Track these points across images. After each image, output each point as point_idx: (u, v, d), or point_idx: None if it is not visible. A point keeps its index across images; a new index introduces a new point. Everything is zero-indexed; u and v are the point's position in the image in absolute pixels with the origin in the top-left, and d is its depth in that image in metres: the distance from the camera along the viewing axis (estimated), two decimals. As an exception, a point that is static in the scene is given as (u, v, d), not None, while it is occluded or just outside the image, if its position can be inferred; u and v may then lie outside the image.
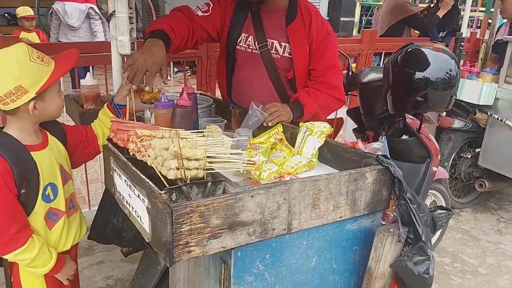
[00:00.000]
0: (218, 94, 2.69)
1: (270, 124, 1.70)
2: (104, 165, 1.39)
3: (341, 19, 6.74)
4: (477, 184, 3.44)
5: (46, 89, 1.27)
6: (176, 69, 6.89)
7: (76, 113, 1.76)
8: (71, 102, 1.87)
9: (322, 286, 1.39)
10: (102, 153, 1.48)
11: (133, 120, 1.46)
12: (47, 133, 1.43)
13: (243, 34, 1.85)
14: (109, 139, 1.31)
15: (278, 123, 1.72)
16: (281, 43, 1.83)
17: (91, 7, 4.91)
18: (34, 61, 1.24)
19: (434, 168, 2.36)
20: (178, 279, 1.50)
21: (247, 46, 1.86)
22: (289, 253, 1.27)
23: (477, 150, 3.49)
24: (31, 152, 1.32)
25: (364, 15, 11.62)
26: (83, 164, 2.86)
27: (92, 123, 1.57)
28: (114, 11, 1.46)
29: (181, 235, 1.00)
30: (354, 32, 8.26)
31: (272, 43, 1.84)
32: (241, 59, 1.90)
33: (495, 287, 2.64)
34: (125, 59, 1.52)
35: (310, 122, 1.58)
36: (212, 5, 1.85)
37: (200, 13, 1.80)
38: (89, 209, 2.88)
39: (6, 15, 10.83)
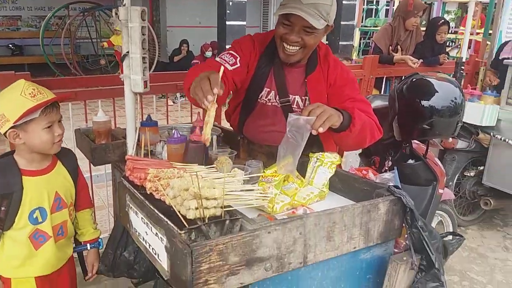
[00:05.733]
0: (223, 123, 2.72)
1: (321, 130, 1.40)
2: (119, 201, 1.41)
3: (340, 43, 6.86)
4: (482, 202, 3.46)
5: (28, 121, 1.42)
6: (179, 95, 6.98)
7: (88, 148, 1.79)
8: (82, 137, 1.90)
9: (337, 316, 1.39)
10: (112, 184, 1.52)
11: (147, 154, 1.49)
12: (58, 161, 1.61)
13: (265, 89, 1.83)
14: (125, 177, 1.34)
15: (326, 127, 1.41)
16: (303, 97, 1.82)
17: None
18: (23, 96, 1.40)
19: (440, 190, 2.38)
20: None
21: (267, 100, 1.84)
22: (304, 285, 1.27)
23: (481, 168, 3.52)
24: (23, 177, 1.50)
25: (363, 38, 11.83)
26: (90, 191, 2.88)
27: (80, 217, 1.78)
28: (128, 52, 1.50)
29: (201, 273, 1.02)
30: (354, 56, 8.40)
31: (294, 98, 1.82)
32: (260, 109, 1.87)
33: (507, 308, 2.63)
34: (138, 97, 1.55)
35: (320, 153, 1.61)
36: (238, 57, 1.74)
37: (229, 67, 1.68)
38: (97, 238, 2.87)
39: (10, 45, 11.04)
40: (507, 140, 3.21)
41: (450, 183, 3.42)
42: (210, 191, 1.04)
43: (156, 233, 1.12)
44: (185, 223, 1.02)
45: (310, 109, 1.43)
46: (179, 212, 1.05)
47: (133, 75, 1.50)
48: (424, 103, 1.89)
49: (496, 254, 3.23)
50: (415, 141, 2.29)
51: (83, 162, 3.72)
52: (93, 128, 1.83)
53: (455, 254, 3.15)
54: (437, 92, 1.90)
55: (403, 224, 1.45)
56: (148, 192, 1.19)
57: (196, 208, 1.03)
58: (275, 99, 1.83)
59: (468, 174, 3.57)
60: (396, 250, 1.54)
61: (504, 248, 3.33)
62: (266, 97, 1.84)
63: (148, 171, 1.20)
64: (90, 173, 2.71)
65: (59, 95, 1.53)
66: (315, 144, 1.79)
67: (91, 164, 2.59)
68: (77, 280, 1.92)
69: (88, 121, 2.29)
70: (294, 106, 1.83)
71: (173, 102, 6.92)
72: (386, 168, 2.19)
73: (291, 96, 1.82)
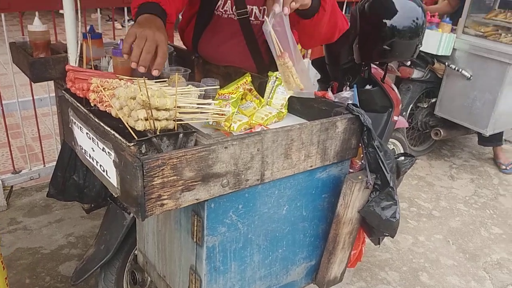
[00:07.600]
0: (177, 43, 2.56)
1: (294, 4, 1.24)
2: (62, 117, 1.30)
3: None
4: (432, 133, 3.60)
5: None
6: (128, 18, 6.51)
7: (25, 62, 1.61)
8: (18, 51, 1.71)
9: (293, 233, 1.41)
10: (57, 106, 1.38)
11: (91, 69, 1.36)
12: None
13: None
14: (66, 90, 1.21)
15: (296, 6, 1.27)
16: (260, 8, 1.69)
17: None
18: None
19: (395, 118, 2.42)
20: (147, 234, 1.47)
21: (224, 12, 1.71)
22: (261, 203, 1.26)
23: (434, 100, 3.61)
24: None
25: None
26: (34, 119, 2.71)
27: None
28: None
29: (153, 188, 0.96)
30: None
31: (252, 9, 1.69)
32: (216, 23, 1.75)
33: (447, 228, 2.82)
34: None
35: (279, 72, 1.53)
36: None
37: None
38: (44, 166, 2.75)
39: None
40: (460, 70, 3.27)
41: (404, 113, 3.50)
42: (160, 101, 0.95)
43: (103, 148, 1.03)
44: (134, 135, 0.94)
45: None
46: (127, 123, 0.96)
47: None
48: (386, 22, 1.83)
49: (442, 183, 3.43)
50: (374, 65, 2.27)
51: (24, 88, 3.45)
52: (29, 40, 1.64)
53: (404, 183, 3.32)
54: (400, 11, 1.84)
55: (360, 144, 1.45)
56: (92, 104, 1.08)
57: (146, 119, 0.94)
58: (232, 10, 1.70)
59: (421, 105, 3.67)
60: (351, 171, 1.55)
61: (450, 177, 3.53)
62: (222, 8, 1.71)
63: (91, 81, 1.08)
64: (32, 96, 2.51)
65: None
66: (274, 63, 1.72)
67: (31, 84, 2.41)
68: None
69: (24, 34, 2.06)
70: (252, 18, 1.72)
71: (122, 26, 6.44)
72: (345, 93, 2.17)
73: (248, 6, 1.69)
